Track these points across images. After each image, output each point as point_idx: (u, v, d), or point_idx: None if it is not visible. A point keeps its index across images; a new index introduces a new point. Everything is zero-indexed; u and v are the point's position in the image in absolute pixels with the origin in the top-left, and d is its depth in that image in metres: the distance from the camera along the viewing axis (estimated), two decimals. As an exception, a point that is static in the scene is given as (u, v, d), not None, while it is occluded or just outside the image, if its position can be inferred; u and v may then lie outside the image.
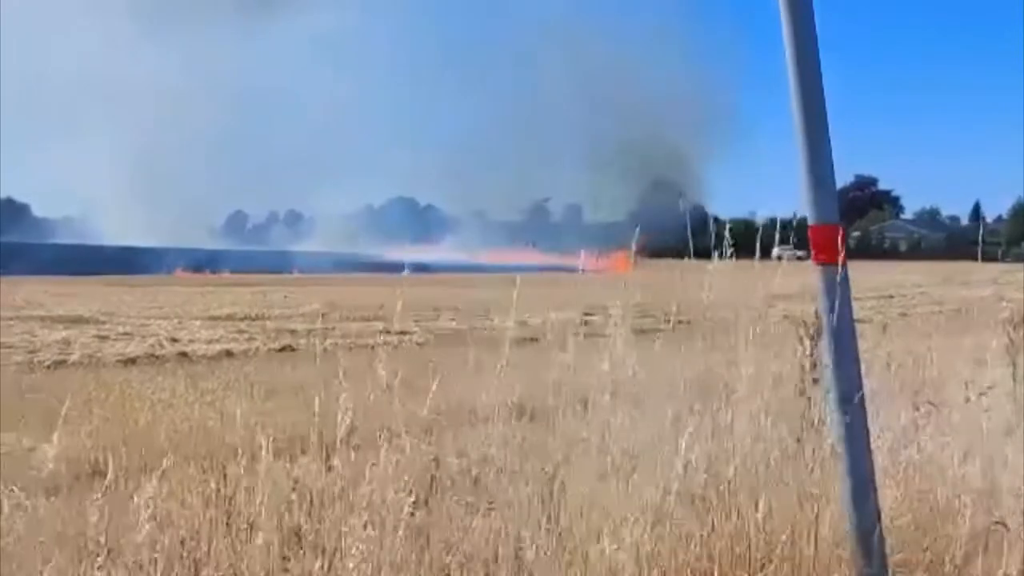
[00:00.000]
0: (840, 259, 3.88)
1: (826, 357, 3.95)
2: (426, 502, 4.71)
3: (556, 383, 5.65)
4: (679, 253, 6.19)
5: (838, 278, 3.87)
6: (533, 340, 6.44)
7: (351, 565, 4.32)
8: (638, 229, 6.12)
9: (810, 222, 3.88)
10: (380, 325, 23.68)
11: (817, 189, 3.85)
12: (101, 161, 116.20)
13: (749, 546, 4.52)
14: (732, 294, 5.94)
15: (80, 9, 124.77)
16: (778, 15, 3.80)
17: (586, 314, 6.27)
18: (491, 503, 4.64)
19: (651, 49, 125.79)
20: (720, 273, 5.69)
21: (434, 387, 5.19)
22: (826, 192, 3.87)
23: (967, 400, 5.61)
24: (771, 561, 4.44)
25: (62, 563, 4.84)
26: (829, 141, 3.84)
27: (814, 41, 3.80)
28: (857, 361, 3.91)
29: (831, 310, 3.88)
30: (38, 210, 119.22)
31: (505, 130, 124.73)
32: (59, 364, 17.91)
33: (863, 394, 3.91)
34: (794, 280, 5.56)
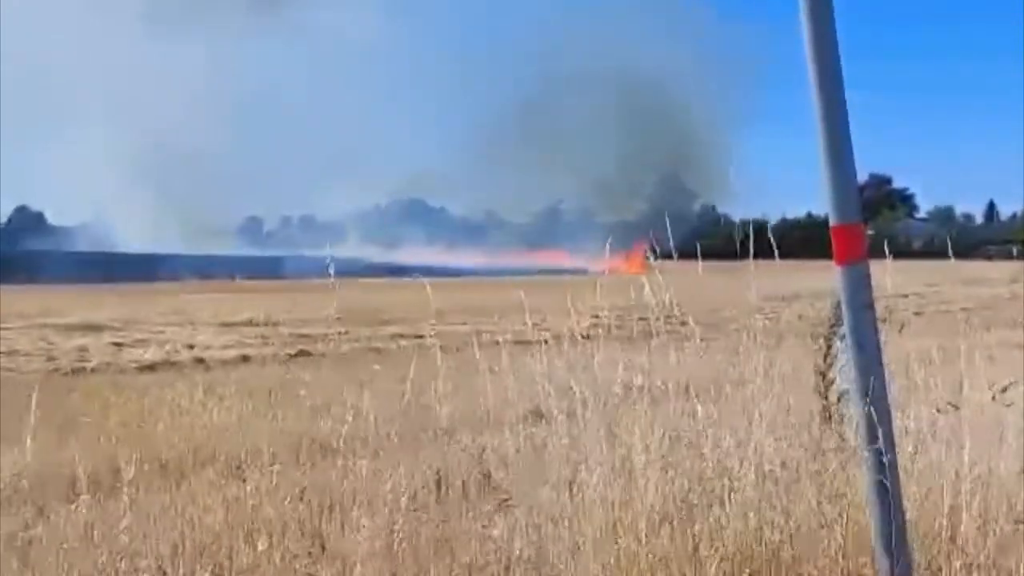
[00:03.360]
0: (863, 258, 3.87)
1: (850, 357, 3.94)
2: (442, 503, 4.74)
3: (570, 385, 5.65)
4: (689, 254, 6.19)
5: (861, 277, 3.86)
6: (545, 343, 6.44)
7: (369, 567, 4.34)
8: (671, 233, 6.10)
9: (832, 222, 3.86)
10: (394, 329, 23.69)
11: (838, 188, 3.84)
12: (115, 168, 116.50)
13: (769, 545, 4.51)
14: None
15: (92, 12, 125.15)
16: (798, 13, 3.80)
17: (594, 316, 6.26)
18: (507, 499, 4.65)
19: (666, 47, 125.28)
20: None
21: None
22: (848, 191, 3.85)
23: (993, 399, 5.60)
24: (792, 561, 4.44)
25: (85, 569, 4.87)
26: (850, 140, 3.82)
27: (834, 38, 3.78)
28: (881, 361, 3.90)
29: (854, 310, 3.87)
30: (53, 218, 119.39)
31: (517, 132, 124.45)
32: (77, 371, 17.99)
33: (887, 394, 3.90)
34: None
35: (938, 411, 5.24)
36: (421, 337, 23.28)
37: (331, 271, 5.53)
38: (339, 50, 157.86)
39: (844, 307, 3.91)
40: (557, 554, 4.48)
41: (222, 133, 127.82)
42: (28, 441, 4.84)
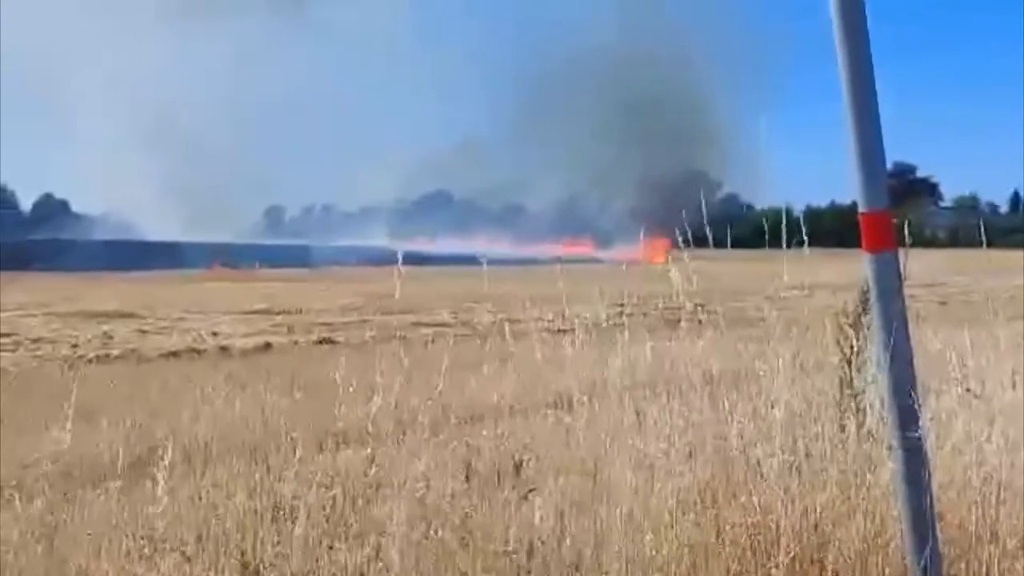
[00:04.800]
0: (892, 246, 3.85)
1: (878, 346, 3.92)
2: (468, 491, 4.74)
3: (593, 374, 5.65)
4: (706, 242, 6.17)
5: (890, 265, 3.84)
6: (571, 331, 6.44)
7: (395, 554, 4.35)
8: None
9: (860, 209, 3.84)
10: (414, 318, 23.74)
11: (867, 175, 3.81)
12: (138, 156, 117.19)
13: (794, 534, 4.50)
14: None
15: (116, 4, 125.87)
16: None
17: (620, 305, 6.27)
18: (532, 488, 4.65)
19: (692, 31, 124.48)
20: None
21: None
22: (876, 178, 3.82)
23: (1014, 386, 5.57)
24: (818, 550, 4.42)
25: (111, 553, 4.91)
26: (879, 126, 3.80)
27: (865, 25, 3.76)
28: (910, 350, 3.87)
29: (882, 298, 3.84)
30: (77, 206, 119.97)
31: (538, 120, 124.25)
32: (102, 358, 18.11)
33: (917, 383, 3.88)
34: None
35: (969, 390, 5.21)
36: (443, 326, 23.40)
37: (398, 259, 5.59)
38: (360, 42, 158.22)
39: (872, 295, 3.89)
40: (581, 541, 4.48)
41: (245, 123, 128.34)
42: (68, 425, 4.87)
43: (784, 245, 5.43)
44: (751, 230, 5.67)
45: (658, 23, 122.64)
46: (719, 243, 6.19)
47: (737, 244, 5.99)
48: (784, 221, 5.48)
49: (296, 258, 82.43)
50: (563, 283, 6.27)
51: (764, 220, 5.53)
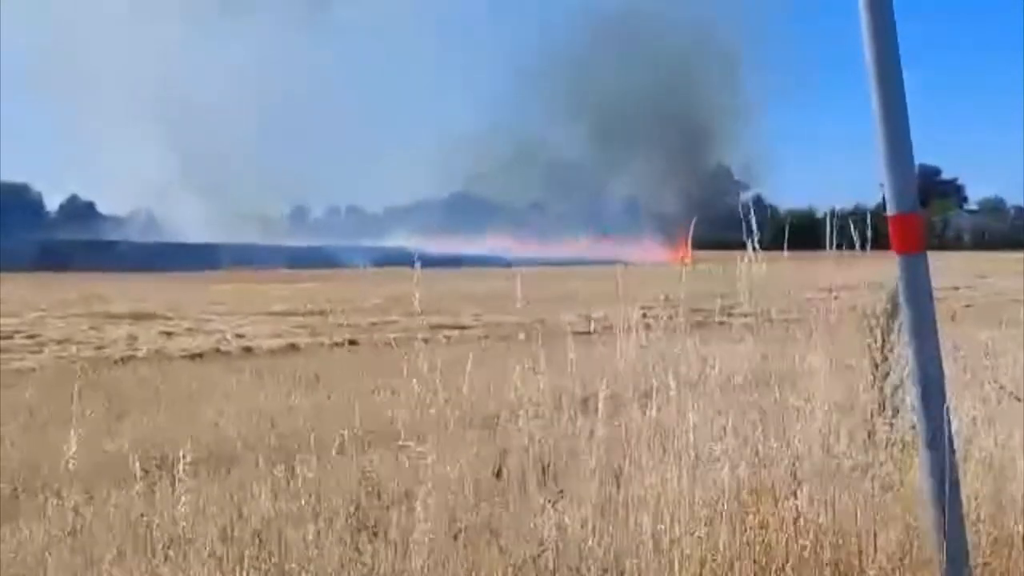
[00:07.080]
0: (922, 248, 3.82)
1: (907, 349, 3.88)
2: (494, 493, 4.73)
3: (619, 376, 5.61)
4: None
5: (919, 267, 3.81)
6: (595, 333, 6.42)
7: (421, 556, 4.34)
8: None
9: (889, 211, 3.81)
10: (438, 319, 23.76)
11: (897, 177, 3.78)
12: (164, 158, 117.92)
13: (817, 539, 4.47)
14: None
15: (140, 5, 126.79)
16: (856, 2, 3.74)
17: (644, 308, 6.23)
18: (560, 491, 4.63)
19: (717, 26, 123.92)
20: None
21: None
22: (906, 180, 3.80)
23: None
24: (840, 554, 4.39)
25: (134, 554, 4.93)
26: (908, 128, 3.77)
27: (893, 25, 3.73)
28: (938, 352, 3.84)
29: (912, 301, 3.81)
30: (103, 207, 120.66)
31: (563, 121, 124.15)
32: (127, 359, 18.22)
33: (945, 386, 3.84)
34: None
35: (1011, 393, 5.17)
36: (464, 328, 23.42)
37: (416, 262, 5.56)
38: (383, 44, 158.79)
39: (902, 297, 3.85)
40: (606, 546, 4.46)
41: (269, 125, 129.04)
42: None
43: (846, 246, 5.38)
44: (775, 232, 5.62)
45: (683, 16, 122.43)
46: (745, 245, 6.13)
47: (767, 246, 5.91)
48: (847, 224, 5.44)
49: (319, 259, 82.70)
50: (589, 284, 6.25)
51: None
